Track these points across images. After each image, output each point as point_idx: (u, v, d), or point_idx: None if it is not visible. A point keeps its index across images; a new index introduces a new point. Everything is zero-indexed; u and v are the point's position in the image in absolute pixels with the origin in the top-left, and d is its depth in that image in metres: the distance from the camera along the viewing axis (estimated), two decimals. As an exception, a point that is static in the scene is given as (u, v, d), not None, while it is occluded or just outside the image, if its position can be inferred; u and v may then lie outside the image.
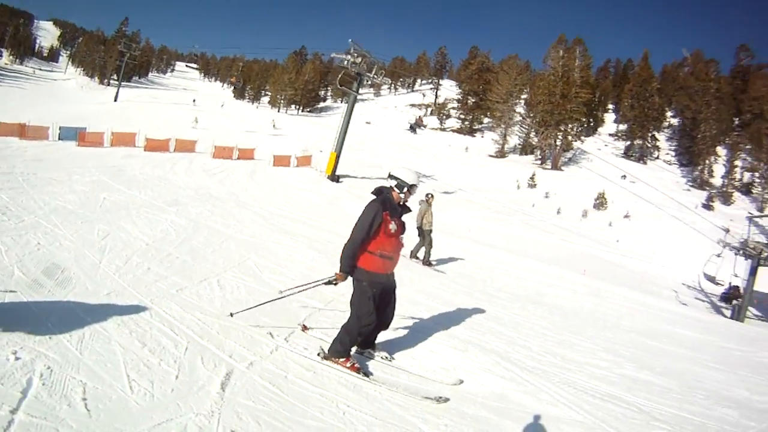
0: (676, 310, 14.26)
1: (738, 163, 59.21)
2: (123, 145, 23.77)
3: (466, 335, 6.39)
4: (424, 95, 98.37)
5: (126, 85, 76.55)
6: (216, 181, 19.11)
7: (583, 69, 66.38)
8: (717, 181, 59.12)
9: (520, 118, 70.68)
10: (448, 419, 3.98)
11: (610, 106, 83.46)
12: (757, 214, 47.62)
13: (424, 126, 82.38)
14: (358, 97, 32.03)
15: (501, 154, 67.14)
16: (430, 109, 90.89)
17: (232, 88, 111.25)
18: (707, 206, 51.96)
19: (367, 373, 4.53)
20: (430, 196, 12.51)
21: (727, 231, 32.28)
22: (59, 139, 22.32)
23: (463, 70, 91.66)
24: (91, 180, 12.92)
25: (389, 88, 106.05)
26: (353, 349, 4.74)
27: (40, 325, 4.02)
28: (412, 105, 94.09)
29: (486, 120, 79.08)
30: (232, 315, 5.18)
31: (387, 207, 4.58)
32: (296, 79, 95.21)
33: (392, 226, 4.55)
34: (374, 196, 4.71)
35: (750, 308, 26.52)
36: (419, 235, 12.04)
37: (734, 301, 28.58)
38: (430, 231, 12.09)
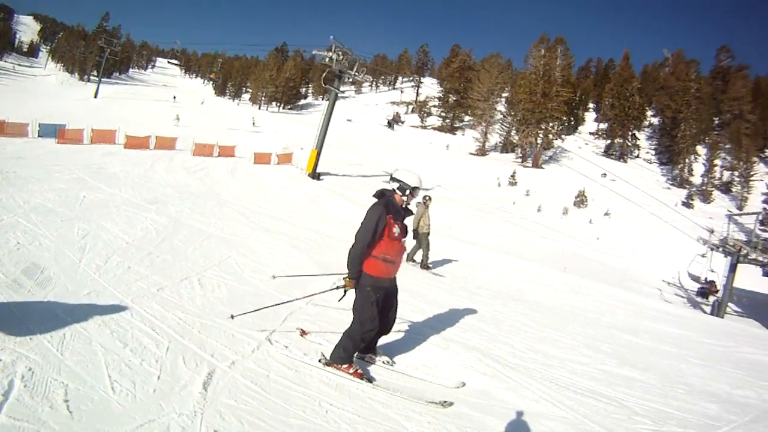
0: (656, 307, 14.40)
1: (717, 162, 60.05)
2: (103, 142, 23.52)
3: (447, 332, 6.41)
4: (402, 91, 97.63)
5: (106, 81, 75.46)
6: (196, 179, 18.96)
7: (564, 68, 66.75)
8: (697, 179, 59.86)
9: (501, 117, 71.05)
10: (431, 416, 4.01)
11: (591, 105, 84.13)
12: (737, 212, 48.37)
13: (402, 122, 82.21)
14: (339, 94, 31.99)
15: (482, 152, 67.28)
16: (411, 107, 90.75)
17: (213, 84, 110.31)
18: (687, 204, 52.68)
19: (369, 379, 4.49)
20: (427, 198, 12.22)
21: (712, 232, 32.77)
22: (39, 136, 22.02)
23: (444, 68, 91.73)
24: (70, 178, 12.76)
25: (370, 85, 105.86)
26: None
27: (21, 326, 3.98)
28: (393, 103, 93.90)
29: (467, 118, 79.19)
30: (233, 317, 5.08)
31: (390, 210, 4.52)
32: (277, 76, 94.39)
33: (396, 230, 4.50)
34: (376, 199, 4.64)
35: (729, 304, 27.07)
36: (414, 238, 11.92)
37: (710, 297, 29.17)
38: (428, 234, 11.95)
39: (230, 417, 3.36)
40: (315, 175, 28.46)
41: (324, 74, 29.82)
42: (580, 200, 47.19)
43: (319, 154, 29.14)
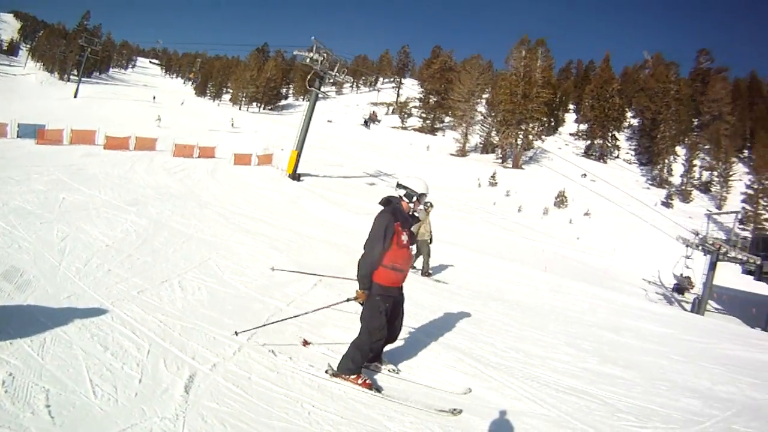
0: (637, 305, 14.53)
1: (697, 162, 60.94)
2: (83, 143, 23.34)
3: (428, 332, 6.44)
4: (378, 91, 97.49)
5: (86, 80, 74.36)
6: (177, 180, 18.86)
7: (544, 69, 67.12)
8: (676, 179, 60.67)
9: (482, 118, 71.32)
10: (413, 417, 4.04)
11: (571, 106, 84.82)
12: (716, 211, 49.15)
13: (378, 121, 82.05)
14: (320, 95, 31.96)
15: (462, 152, 67.42)
16: (391, 108, 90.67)
17: (193, 84, 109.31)
18: (666, 204, 53.45)
19: (378, 389, 4.44)
20: (429, 205, 11.89)
21: (697, 234, 33.26)
22: (18, 136, 21.82)
23: (425, 69, 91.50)
24: (50, 179, 12.61)
25: (351, 86, 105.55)
26: None
27: (0, 330, 3.93)
28: (374, 103, 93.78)
29: (447, 119, 79.35)
30: (237, 334, 4.95)
31: (398, 217, 4.45)
32: (258, 77, 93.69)
33: (404, 237, 4.43)
34: (382, 207, 4.58)
35: (710, 302, 27.59)
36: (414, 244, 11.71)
37: (686, 293, 29.71)
38: (429, 241, 11.70)
39: (213, 420, 3.36)
40: (295, 176, 28.46)
41: (309, 77, 29.77)
42: (560, 200, 47.61)
43: (299, 155, 29.13)
